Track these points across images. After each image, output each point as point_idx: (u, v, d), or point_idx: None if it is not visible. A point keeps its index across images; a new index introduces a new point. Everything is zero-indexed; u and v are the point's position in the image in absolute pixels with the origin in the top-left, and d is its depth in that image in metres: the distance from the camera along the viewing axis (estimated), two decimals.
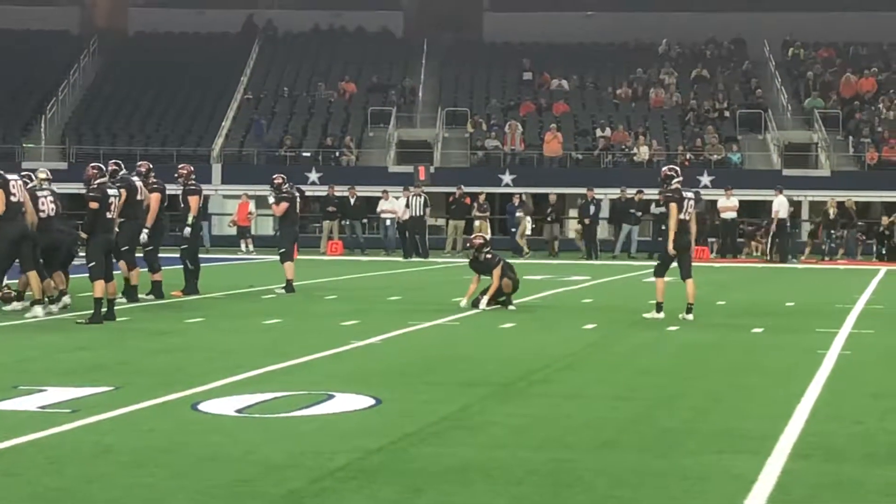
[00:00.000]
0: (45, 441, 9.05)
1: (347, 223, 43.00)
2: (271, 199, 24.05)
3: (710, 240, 40.69)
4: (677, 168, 19.46)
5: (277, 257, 24.12)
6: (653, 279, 19.17)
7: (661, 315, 18.53)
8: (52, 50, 55.91)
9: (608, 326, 17.73)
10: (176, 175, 22.61)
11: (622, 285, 27.37)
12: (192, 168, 22.99)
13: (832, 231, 40.55)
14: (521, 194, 42.86)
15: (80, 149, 49.29)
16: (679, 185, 18.76)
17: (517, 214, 41.52)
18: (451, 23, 60.44)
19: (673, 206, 18.55)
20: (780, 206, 38.74)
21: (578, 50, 57.77)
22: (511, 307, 20.02)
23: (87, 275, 17.67)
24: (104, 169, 18.54)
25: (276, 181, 23.94)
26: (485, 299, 19.96)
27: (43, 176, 20.17)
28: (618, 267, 34.32)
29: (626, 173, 45.84)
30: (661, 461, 8.57)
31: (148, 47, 58.16)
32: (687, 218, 18.70)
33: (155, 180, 21.65)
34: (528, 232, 41.78)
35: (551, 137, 48.32)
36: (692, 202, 18.98)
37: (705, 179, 45.11)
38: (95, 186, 17.77)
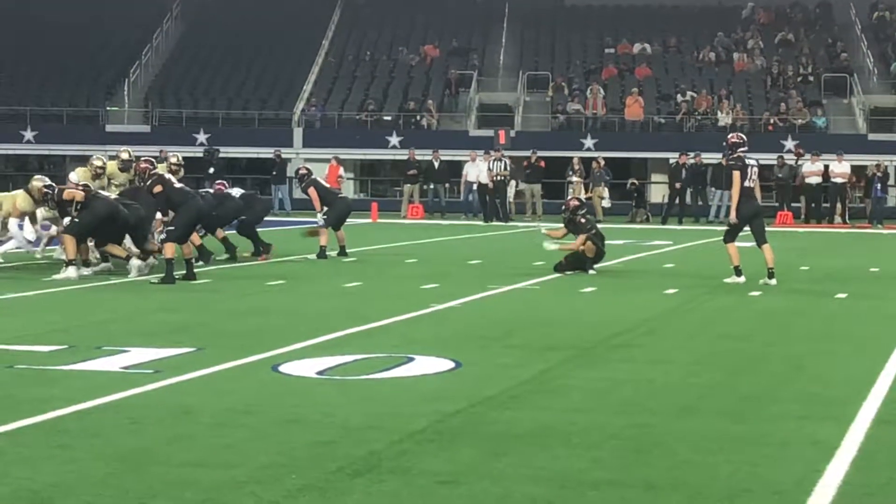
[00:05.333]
0: (128, 401, 9.14)
1: (431, 187, 42.88)
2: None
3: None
4: (744, 136, 19.28)
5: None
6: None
7: (742, 279, 18.35)
8: (135, 13, 56.22)
9: (689, 291, 17.61)
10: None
11: (704, 250, 27.16)
12: None
13: None
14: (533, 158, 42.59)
15: (162, 112, 49.65)
16: (743, 153, 18.55)
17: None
18: None
19: (736, 174, 18.36)
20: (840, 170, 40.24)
21: (661, 13, 57.25)
22: (591, 272, 19.96)
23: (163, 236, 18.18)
24: (154, 161, 19.54)
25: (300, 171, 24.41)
26: (555, 243, 20.53)
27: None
28: (700, 232, 34.07)
29: (708, 138, 45.39)
30: (742, 427, 8.51)
31: (230, 11, 58.32)
32: (752, 185, 18.53)
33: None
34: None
35: (633, 102, 48.00)
36: (756, 169, 18.75)
37: (789, 144, 44.65)
38: (150, 174, 18.48)
